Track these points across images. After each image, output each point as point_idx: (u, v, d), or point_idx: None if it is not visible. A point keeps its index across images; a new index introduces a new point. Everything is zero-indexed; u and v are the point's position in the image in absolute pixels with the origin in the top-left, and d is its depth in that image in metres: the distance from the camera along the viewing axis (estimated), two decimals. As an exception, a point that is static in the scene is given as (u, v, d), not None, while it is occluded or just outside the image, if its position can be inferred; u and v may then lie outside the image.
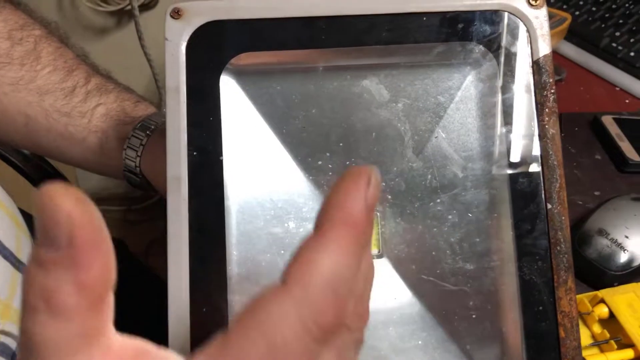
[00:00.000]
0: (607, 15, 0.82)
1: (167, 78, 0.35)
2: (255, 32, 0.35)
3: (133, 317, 0.60)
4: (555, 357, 0.34)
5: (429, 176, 0.37)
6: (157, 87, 0.82)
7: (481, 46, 0.36)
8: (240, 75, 0.36)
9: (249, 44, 0.35)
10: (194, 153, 0.34)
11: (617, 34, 0.79)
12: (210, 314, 0.34)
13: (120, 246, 0.72)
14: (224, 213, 0.34)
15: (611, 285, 0.48)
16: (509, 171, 0.36)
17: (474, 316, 0.35)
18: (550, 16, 0.75)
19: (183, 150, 0.34)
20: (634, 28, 0.79)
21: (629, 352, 0.44)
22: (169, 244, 0.34)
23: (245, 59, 0.35)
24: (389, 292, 0.36)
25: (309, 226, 0.37)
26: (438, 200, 0.36)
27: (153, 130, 0.46)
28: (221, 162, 0.34)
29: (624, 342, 0.45)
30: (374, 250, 0.37)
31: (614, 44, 0.77)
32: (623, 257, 0.48)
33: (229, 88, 0.35)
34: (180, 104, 0.35)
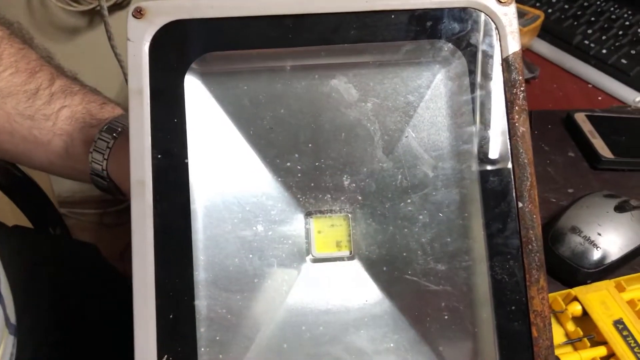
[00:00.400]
0: (579, 12, 0.82)
1: (129, 80, 0.34)
2: (221, 32, 0.35)
3: (108, 323, 0.59)
4: (528, 356, 0.34)
5: (400, 176, 0.36)
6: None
7: (450, 44, 0.36)
8: (206, 75, 0.35)
9: (214, 44, 0.35)
10: (158, 156, 0.34)
11: (590, 31, 0.79)
12: (177, 320, 0.33)
13: (92, 251, 0.71)
14: (190, 217, 0.34)
15: (584, 282, 0.48)
16: (480, 170, 0.35)
17: (446, 317, 0.35)
18: (523, 14, 0.75)
19: (147, 154, 0.34)
20: (605, 25, 0.80)
21: (602, 350, 0.44)
22: (133, 249, 0.33)
23: (211, 59, 0.35)
24: (360, 294, 0.36)
25: (279, 229, 0.36)
26: (409, 201, 0.36)
27: (120, 133, 0.45)
28: (186, 165, 0.34)
29: (597, 340, 0.45)
30: (346, 252, 0.37)
31: (587, 42, 0.78)
32: (596, 255, 0.48)
33: (194, 89, 0.35)
34: (144, 106, 0.34)
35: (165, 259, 0.33)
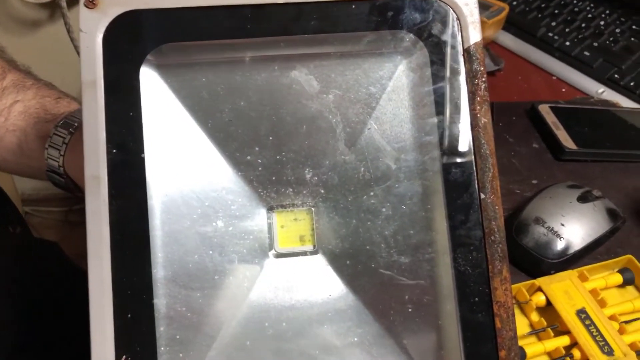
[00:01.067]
0: (543, 5, 0.83)
1: (82, 72, 0.33)
2: (177, 22, 0.34)
3: (68, 321, 0.57)
4: (492, 348, 0.34)
5: (362, 169, 0.36)
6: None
7: (412, 34, 0.35)
8: (162, 67, 0.34)
9: (170, 35, 0.34)
10: (114, 151, 0.33)
11: (553, 23, 0.80)
12: (136, 319, 0.32)
13: (53, 249, 0.69)
14: (147, 213, 0.33)
15: (548, 273, 0.49)
16: (442, 162, 0.35)
17: (410, 310, 0.35)
18: (488, 6, 0.76)
19: (102, 148, 0.33)
20: (569, 18, 0.81)
21: (565, 339, 0.45)
22: (89, 247, 0.32)
23: (167, 50, 0.34)
24: (324, 289, 0.36)
25: (240, 224, 0.35)
26: (372, 193, 0.36)
27: (77, 128, 0.43)
28: (143, 159, 0.33)
29: (561, 330, 0.45)
30: (309, 246, 0.36)
31: (551, 34, 0.79)
32: (559, 245, 0.49)
33: (150, 81, 0.34)
34: (98, 99, 0.33)
35: (122, 257, 0.32)
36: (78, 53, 0.87)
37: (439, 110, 0.35)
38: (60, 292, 0.60)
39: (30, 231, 0.77)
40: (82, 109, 0.33)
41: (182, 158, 0.35)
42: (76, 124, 0.43)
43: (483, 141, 0.36)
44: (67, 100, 0.46)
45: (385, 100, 0.36)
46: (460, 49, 0.36)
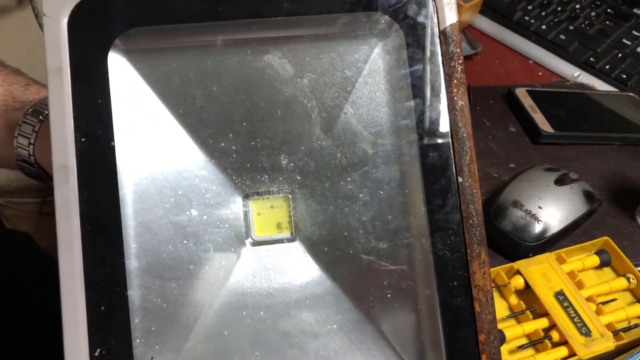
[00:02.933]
0: (519, -12, 0.83)
1: (47, 58, 0.32)
2: (146, 5, 0.33)
3: (40, 312, 0.57)
4: (471, 331, 0.34)
5: (339, 154, 0.36)
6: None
7: (387, 16, 0.35)
8: (131, 52, 0.33)
9: (138, 18, 0.33)
10: (82, 139, 0.32)
11: (530, 7, 0.81)
12: (109, 311, 0.32)
13: (25, 240, 0.68)
14: (118, 203, 0.32)
15: (526, 256, 0.49)
16: (419, 145, 0.35)
17: (389, 295, 0.35)
18: (464, -10, 0.76)
19: (70, 137, 0.32)
20: (545, 1, 0.81)
21: (544, 321, 0.45)
22: (58, 238, 0.32)
23: (136, 34, 0.33)
24: (302, 276, 0.35)
25: (215, 212, 0.35)
26: (349, 179, 0.36)
27: (47, 116, 0.43)
28: (113, 147, 0.32)
29: (539, 312, 0.46)
30: (287, 234, 0.36)
31: (527, 17, 0.79)
32: (537, 228, 0.49)
33: (119, 67, 0.33)
34: (64, 86, 0.32)
35: (93, 248, 0.32)
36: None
37: (416, 93, 0.35)
38: (32, 282, 0.59)
39: (2, 223, 0.76)
40: (49, 96, 0.32)
41: (154, 146, 0.34)
42: (46, 112, 0.42)
43: (460, 124, 0.36)
44: (36, 88, 0.45)
45: (362, 83, 0.36)
46: (436, 30, 0.35)
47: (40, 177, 0.44)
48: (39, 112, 0.42)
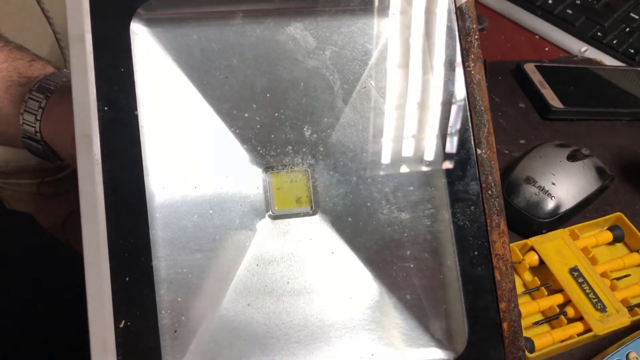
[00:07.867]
0: (524, -39, 0.86)
1: (69, 25, 0.34)
2: (167, -26, 0.35)
3: (49, 293, 0.58)
4: (492, 299, 0.37)
5: (360, 126, 0.38)
6: (60, 48, 0.78)
7: (406, -10, 0.38)
8: (153, 22, 0.36)
9: (160, -14, 0.35)
10: (105, 108, 0.34)
11: (535, -20, 0.83)
12: (134, 283, 0.34)
13: (27, 220, 0.70)
14: (142, 173, 0.34)
15: (540, 232, 0.52)
16: (438, 118, 0.38)
17: (411, 266, 0.38)
18: (469, -38, 0.78)
19: (92, 105, 0.34)
20: (551, -26, 0.84)
21: (559, 297, 0.48)
22: (82, 209, 0.33)
23: (157, 4, 0.35)
24: (324, 248, 0.38)
25: (237, 185, 0.37)
26: (371, 151, 0.38)
27: (53, 92, 0.44)
28: (136, 117, 0.34)
29: (554, 288, 0.49)
30: (306, 207, 0.38)
31: (533, -9, 0.82)
32: (550, 204, 0.52)
33: (141, 37, 0.35)
34: (87, 53, 0.34)
35: (117, 218, 0.33)
36: (46, 16, 0.85)
37: (434, 67, 0.38)
38: (35, 262, 0.61)
39: (2, 203, 0.77)
40: (70, 64, 0.34)
41: (177, 116, 0.36)
42: (52, 88, 0.44)
43: (478, 97, 0.38)
44: (42, 64, 0.46)
45: (381, 57, 0.39)
46: (453, 7, 0.38)
47: (46, 155, 0.46)
48: (46, 88, 0.44)
